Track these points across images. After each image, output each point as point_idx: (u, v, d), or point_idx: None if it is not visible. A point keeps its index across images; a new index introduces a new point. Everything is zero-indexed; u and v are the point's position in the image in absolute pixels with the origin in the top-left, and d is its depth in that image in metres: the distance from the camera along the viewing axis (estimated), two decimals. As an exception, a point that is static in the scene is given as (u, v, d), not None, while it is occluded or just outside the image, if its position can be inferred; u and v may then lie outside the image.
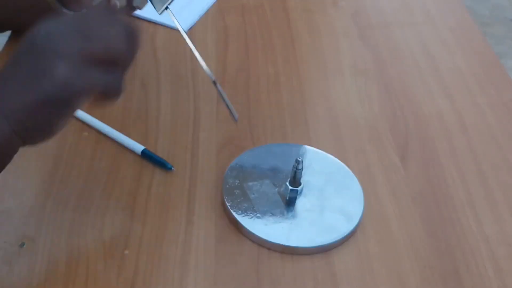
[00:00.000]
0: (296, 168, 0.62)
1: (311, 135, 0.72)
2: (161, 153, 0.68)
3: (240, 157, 0.67)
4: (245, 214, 0.61)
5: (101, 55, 0.49)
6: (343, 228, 0.61)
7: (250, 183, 0.64)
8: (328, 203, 0.64)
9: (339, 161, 0.68)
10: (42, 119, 0.49)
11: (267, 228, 0.60)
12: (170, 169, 0.66)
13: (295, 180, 0.63)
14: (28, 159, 0.66)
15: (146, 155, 0.67)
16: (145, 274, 0.57)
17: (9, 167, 0.65)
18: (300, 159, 0.61)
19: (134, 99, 0.74)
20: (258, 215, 0.62)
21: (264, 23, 0.91)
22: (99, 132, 0.70)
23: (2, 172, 0.64)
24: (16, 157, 0.66)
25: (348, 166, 0.68)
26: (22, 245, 0.57)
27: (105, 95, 0.51)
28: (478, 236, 0.63)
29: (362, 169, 0.68)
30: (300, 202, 0.63)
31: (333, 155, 0.69)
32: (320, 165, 0.68)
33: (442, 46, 0.90)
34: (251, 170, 0.66)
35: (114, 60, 0.50)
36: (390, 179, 0.68)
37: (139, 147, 0.67)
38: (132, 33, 0.52)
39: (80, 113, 0.71)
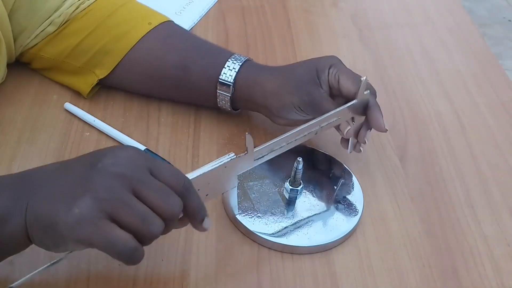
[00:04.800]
0: (296, 168, 0.62)
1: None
2: (162, 153, 0.68)
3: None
4: (246, 213, 0.62)
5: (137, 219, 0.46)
6: (343, 227, 0.62)
7: (250, 183, 0.65)
8: (328, 203, 0.64)
9: (339, 161, 0.69)
10: (45, 234, 0.48)
11: (267, 228, 0.61)
12: (171, 169, 0.66)
13: (295, 180, 0.63)
14: (30, 159, 0.66)
15: (147, 155, 0.67)
16: (146, 274, 0.57)
17: (11, 166, 0.65)
18: (300, 159, 0.62)
19: (135, 99, 0.75)
20: (258, 214, 0.62)
21: (264, 24, 0.91)
22: (100, 132, 0.70)
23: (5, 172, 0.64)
24: (17, 156, 0.66)
25: (348, 166, 0.68)
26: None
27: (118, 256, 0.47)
28: (477, 236, 0.63)
29: (362, 169, 0.69)
30: (300, 202, 0.64)
31: (333, 155, 0.69)
32: (320, 165, 0.68)
33: (441, 47, 0.90)
34: (251, 170, 0.66)
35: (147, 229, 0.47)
36: (389, 179, 0.68)
37: (140, 147, 0.68)
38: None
39: (81, 113, 0.71)
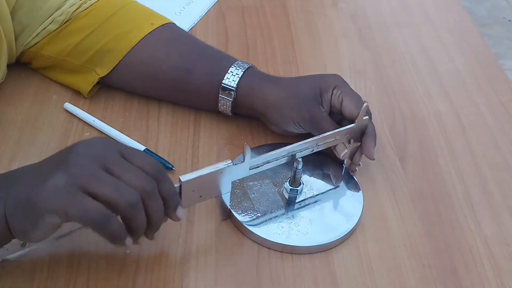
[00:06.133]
0: (296, 168, 0.62)
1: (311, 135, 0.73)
2: (161, 153, 0.68)
3: (240, 157, 0.68)
4: (245, 213, 0.62)
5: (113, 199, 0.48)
6: (343, 227, 0.62)
7: (250, 183, 0.65)
8: (328, 203, 0.64)
9: (339, 161, 0.69)
10: (22, 216, 0.49)
11: (267, 228, 0.61)
12: (171, 169, 0.66)
13: (295, 180, 0.63)
14: (29, 159, 0.66)
15: (147, 155, 0.67)
16: (146, 274, 0.57)
17: (10, 166, 0.65)
18: (300, 159, 0.62)
19: (135, 99, 0.75)
20: (258, 214, 0.62)
21: (264, 24, 0.91)
22: (100, 132, 0.70)
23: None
24: (17, 156, 0.66)
25: (347, 166, 0.68)
26: (24, 244, 0.57)
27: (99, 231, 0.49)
28: (477, 236, 0.63)
29: (362, 169, 0.69)
30: (300, 202, 0.64)
31: (333, 155, 0.69)
32: (319, 166, 0.68)
33: (441, 47, 0.90)
34: (251, 170, 0.66)
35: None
36: (389, 179, 0.68)
37: (140, 147, 0.68)
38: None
39: (81, 113, 0.71)
